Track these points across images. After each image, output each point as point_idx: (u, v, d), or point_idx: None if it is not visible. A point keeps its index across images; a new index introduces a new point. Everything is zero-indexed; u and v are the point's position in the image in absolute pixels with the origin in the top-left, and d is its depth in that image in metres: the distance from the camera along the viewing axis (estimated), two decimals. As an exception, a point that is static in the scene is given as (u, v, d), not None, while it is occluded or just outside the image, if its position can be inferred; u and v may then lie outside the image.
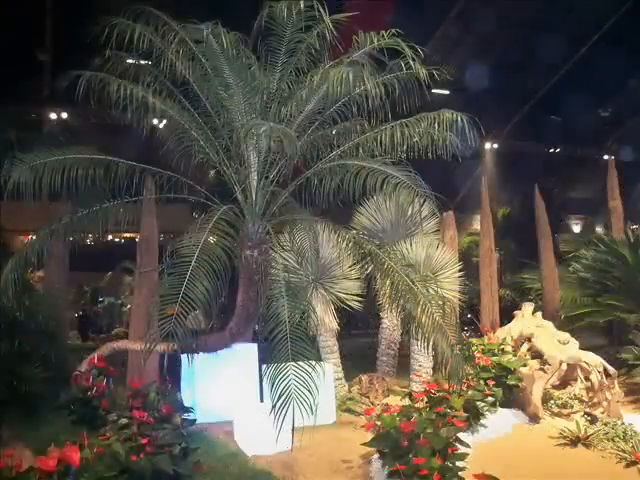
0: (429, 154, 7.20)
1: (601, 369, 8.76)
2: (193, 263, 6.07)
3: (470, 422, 8.02)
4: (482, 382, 8.56)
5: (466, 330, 13.80)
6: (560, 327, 10.25)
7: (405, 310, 7.25)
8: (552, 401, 8.98)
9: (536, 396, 8.44)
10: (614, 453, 7.44)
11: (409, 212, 11.12)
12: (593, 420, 8.37)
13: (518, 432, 8.35)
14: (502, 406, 8.85)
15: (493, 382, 8.63)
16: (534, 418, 8.56)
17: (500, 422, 8.48)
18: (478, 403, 8.30)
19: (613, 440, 7.67)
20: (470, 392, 8.27)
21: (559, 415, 8.85)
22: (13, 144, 9.34)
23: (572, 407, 8.80)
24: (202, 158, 7.62)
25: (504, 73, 20.64)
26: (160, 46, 7.13)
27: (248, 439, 7.83)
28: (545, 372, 8.48)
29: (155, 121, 7.70)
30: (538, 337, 9.50)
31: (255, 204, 7.41)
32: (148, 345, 6.08)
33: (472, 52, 20.27)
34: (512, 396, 8.88)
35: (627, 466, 7.21)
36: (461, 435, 7.99)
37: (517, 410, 8.83)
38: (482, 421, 8.38)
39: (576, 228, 27.00)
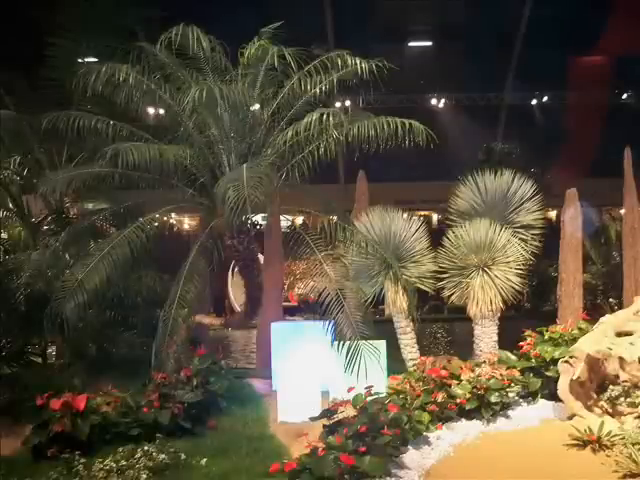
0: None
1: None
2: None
3: (481, 412, 7.89)
4: (504, 371, 8.22)
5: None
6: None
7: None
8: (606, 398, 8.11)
9: (561, 390, 7.80)
10: (621, 460, 6.68)
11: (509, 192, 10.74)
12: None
13: (540, 427, 7.87)
14: (547, 398, 8.41)
15: (519, 372, 8.22)
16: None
17: (529, 414, 8.13)
18: (504, 392, 8.05)
19: (627, 446, 6.85)
20: (492, 381, 8.08)
21: (612, 414, 7.99)
22: None
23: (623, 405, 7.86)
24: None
25: None
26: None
27: (283, 406, 8.88)
28: (572, 365, 7.74)
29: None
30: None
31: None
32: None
33: None
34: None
35: (623, 477, 6.47)
36: (474, 424, 8.00)
37: (561, 404, 8.22)
38: (509, 412, 8.14)
39: None
